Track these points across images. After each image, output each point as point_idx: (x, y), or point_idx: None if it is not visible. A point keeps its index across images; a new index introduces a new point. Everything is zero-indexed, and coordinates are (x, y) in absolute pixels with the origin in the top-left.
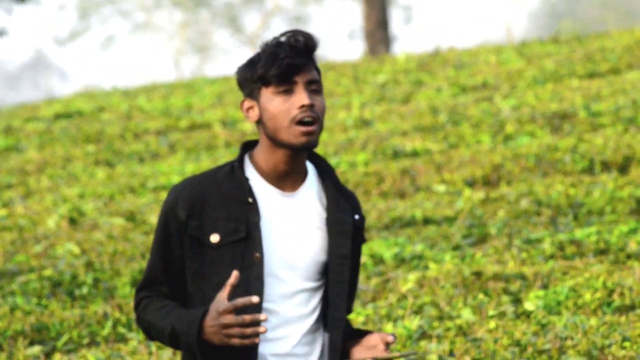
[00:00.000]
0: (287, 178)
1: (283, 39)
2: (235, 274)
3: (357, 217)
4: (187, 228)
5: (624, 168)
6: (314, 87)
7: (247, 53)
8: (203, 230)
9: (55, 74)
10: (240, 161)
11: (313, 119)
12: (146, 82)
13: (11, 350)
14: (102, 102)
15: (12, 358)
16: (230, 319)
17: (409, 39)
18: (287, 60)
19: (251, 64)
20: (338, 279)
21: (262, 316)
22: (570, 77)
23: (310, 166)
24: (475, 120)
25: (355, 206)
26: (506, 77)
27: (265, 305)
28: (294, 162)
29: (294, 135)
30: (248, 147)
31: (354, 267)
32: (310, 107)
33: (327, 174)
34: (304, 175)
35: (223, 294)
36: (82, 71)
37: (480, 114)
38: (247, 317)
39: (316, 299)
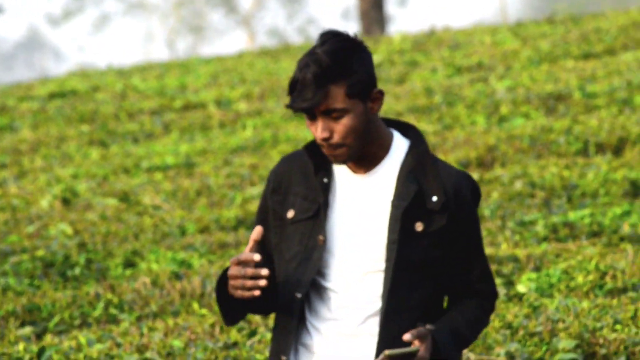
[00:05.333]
0: (360, 160)
1: (309, 59)
2: (257, 229)
3: (434, 198)
4: (271, 200)
5: (618, 150)
6: (334, 114)
7: (241, 34)
8: (284, 205)
9: (49, 53)
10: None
11: (333, 148)
12: (140, 62)
13: (2, 331)
14: (96, 82)
15: (4, 339)
16: (234, 270)
17: (404, 18)
18: (295, 102)
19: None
20: (387, 264)
21: (264, 271)
22: (566, 57)
23: (402, 143)
24: (470, 101)
25: (437, 187)
26: (501, 58)
27: (328, 284)
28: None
29: (325, 151)
30: None
31: (458, 249)
32: (326, 139)
33: (411, 153)
34: (383, 154)
35: (247, 247)
36: (76, 51)
37: (475, 95)
38: (249, 270)
39: None
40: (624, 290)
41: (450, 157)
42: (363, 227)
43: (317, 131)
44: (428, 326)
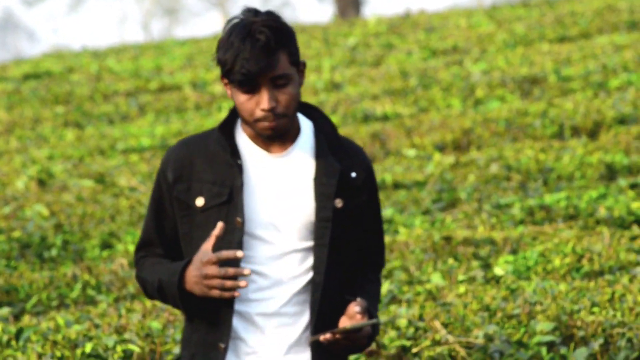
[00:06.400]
0: (274, 141)
1: (250, 30)
2: (220, 225)
3: (353, 174)
4: (174, 190)
5: (593, 133)
6: (281, 81)
7: (216, 15)
8: (190, 194)
9: (24, 34)
10: (227, 123)
11: (277, 119)
12: (115, 44)
13: None
14: (71, 63)
15: None
16: (212, 269)
17: (379, 1)
18: (245, 68)
19: (222, 48)
20: (319, 242)
21: (245, 271)
22: (541, 41)
23: (306, 123)
24: (446, 84)
25: (353, 164)
26: (476, 41)
27: (251, 267)
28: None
29: (258, 128)
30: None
31: (369, 223)
32: (272, 109)
33: (321, 131)
34: (295, 133)
35: (207, 245)
36: (51, 32)
37: (451, 78)
38: (231, 270)
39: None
40: (600, 273)
41: (426, 140)
42: (283, 206)
43: (261, 102)
44: (360, 300)
